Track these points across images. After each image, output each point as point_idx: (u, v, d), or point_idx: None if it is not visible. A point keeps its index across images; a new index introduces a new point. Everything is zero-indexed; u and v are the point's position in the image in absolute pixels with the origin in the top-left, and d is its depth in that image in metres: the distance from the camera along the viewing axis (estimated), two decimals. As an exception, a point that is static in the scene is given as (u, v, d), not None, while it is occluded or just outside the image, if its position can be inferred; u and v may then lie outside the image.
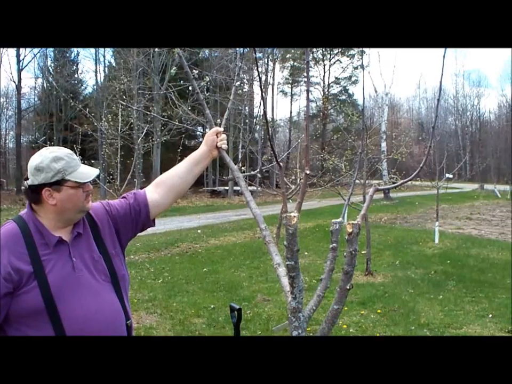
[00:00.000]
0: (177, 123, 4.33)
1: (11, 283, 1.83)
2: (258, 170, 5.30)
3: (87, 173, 2.03)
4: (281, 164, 4.21)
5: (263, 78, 36.64)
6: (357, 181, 5.80)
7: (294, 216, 1.75)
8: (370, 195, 2.00)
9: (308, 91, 1.98)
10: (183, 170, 2.33)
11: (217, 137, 2.35)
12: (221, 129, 2.39)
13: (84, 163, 2.12)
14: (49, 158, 1.95)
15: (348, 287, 1.85)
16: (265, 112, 2.52)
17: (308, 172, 1.95)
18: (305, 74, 46.87)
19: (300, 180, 12.25)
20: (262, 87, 3.31)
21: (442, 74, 2.05)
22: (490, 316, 6.53)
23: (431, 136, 2.28)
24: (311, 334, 4.56)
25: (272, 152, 2.31)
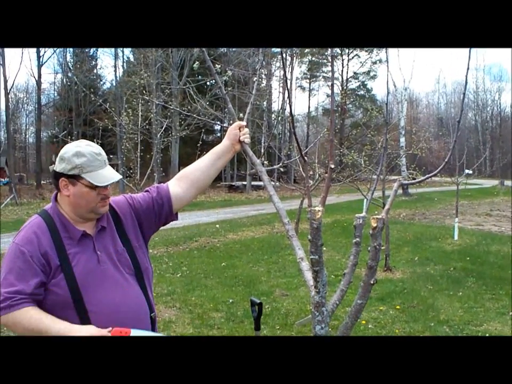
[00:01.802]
0: (197, 117, 4.33)
1: (45, 274, 1.87)
2: (280, 164, 5.27)
3: (106, 177, 1.99)
4: (305, 158, 4.19)
5: (281, 72, 36.53)
6: (376, 176, 5.78)
7: (319, 211, 1.74)
8: (394, 189, 1.98)
9: (332, 85, 1.97)
10: (205, 164, 2.32)
11: (240, 131, 2.34)
12: (244, 123, 2.37)
13: None
14: (72, 152, 1.96)
15: (371, 282, 1.84)
16: (290, 106, 2.51)
17: (332, 166, 1.94)
18: (323, 69, 46.84)
19: (318, 175, 12.22)
20: (286, 84, 3.30)
21: (468, 68, 2.02)
22: (511, 313, 6.46)
23: (456, 131, 2.25)
24: (330, 330, 4.55)
25: (297, 146, 2.30)
